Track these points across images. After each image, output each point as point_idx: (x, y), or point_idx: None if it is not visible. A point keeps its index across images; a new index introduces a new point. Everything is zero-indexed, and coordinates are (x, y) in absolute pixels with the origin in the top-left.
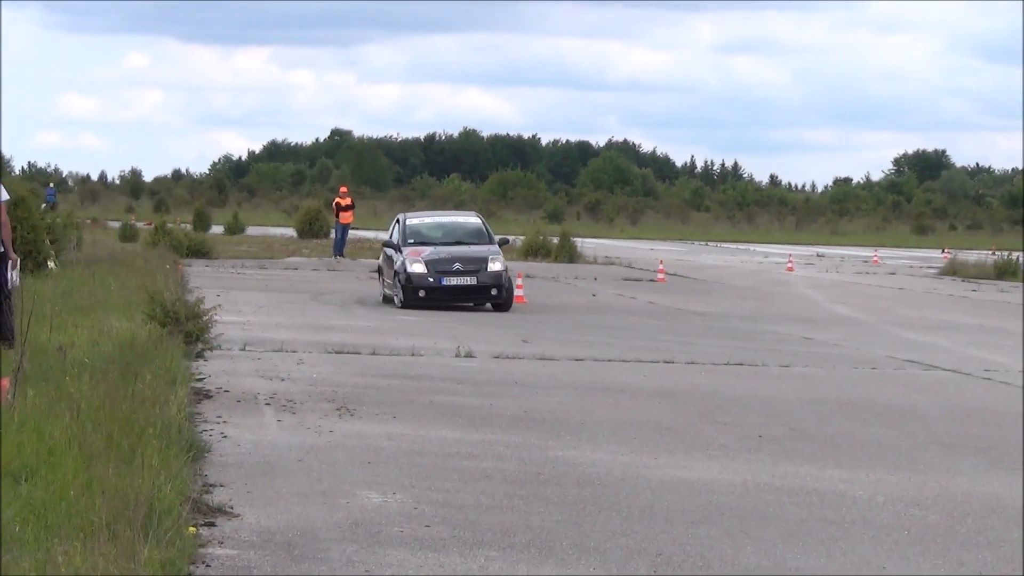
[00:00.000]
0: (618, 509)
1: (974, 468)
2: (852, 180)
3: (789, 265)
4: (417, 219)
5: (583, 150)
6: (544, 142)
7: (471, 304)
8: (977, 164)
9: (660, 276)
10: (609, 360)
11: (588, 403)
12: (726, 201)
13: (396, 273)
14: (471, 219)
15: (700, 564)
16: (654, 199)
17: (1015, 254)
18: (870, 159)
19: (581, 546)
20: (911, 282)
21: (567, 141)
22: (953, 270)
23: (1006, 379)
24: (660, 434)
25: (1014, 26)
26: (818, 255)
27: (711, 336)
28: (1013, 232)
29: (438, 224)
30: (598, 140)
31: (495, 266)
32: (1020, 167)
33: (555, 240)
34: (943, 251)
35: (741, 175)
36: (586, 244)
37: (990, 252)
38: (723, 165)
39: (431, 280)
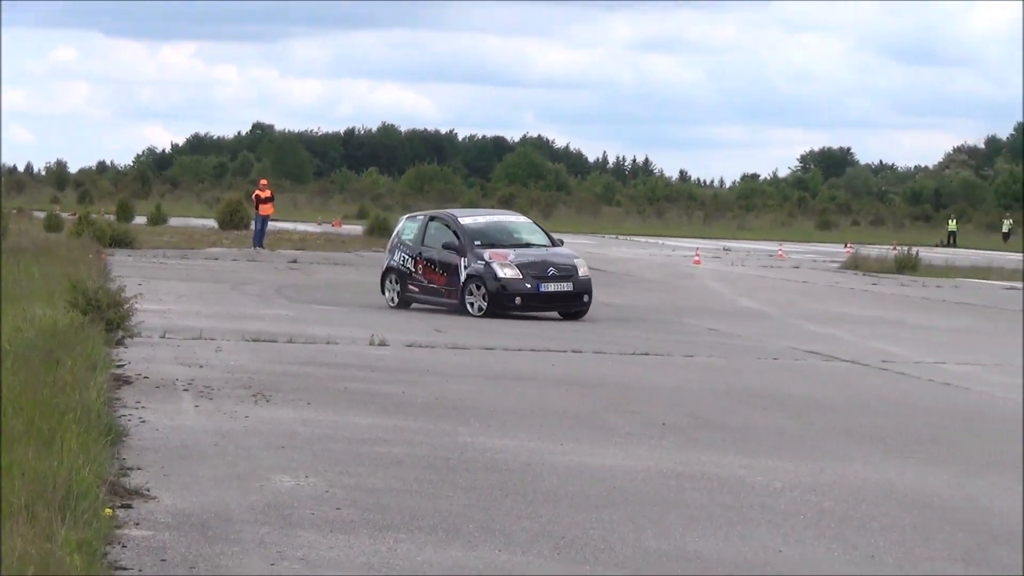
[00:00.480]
0: (524, 494)
1: (869, 456)
2: (759, 176)
3: (696, 259)
4: (471, 218)
5: (498, 145)
6: (461, 137)
7: (557, 314)
8: (881, 161)
9: None
10: (519, 349)
11: (498, 391)
12: (637, 196)
13: (475, 278)
14: (522, 219)
15: (602, 547)
16: (566, 193)
17: (915, 249)
18: (778, 156)
19: (487, 529)
20: (814, 276)
21: (483, 136)
22: (855, 264)
23: (903, 370)
24: (566, 422)
25: (922, 26)
26: (725, 249)
27: (619, 327)
28: (914, 228)
29: (498, 223)
30: (513, 135)
31: (584, 271)
32: (923, 164)
33: None
34: (846, 246)
35: (652, 171)
36: None
37: (892, 247)
38: (635, 161)
39: (528, 286)
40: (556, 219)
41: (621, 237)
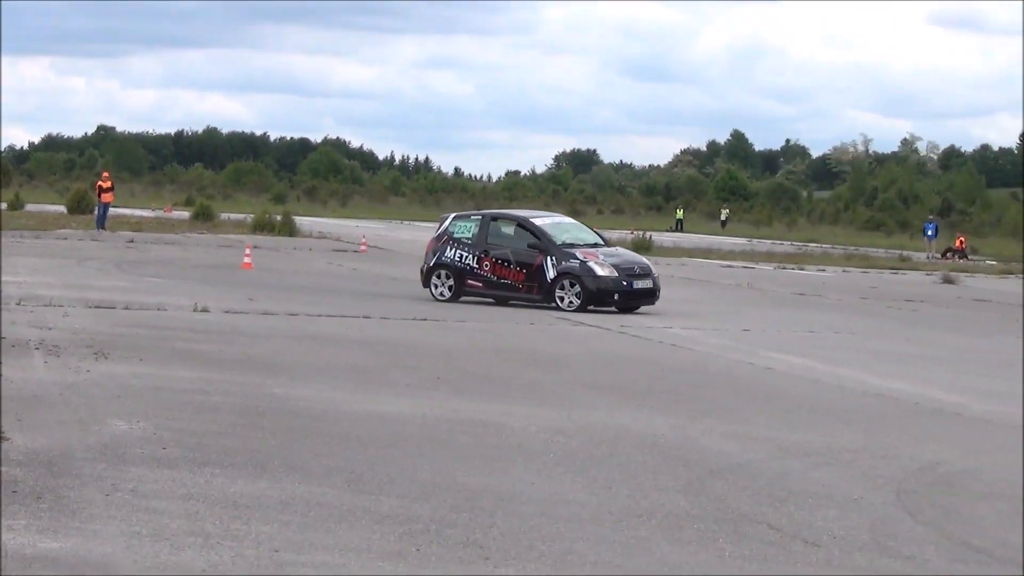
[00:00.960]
0: (321, 436)
1: (608, 404)
2: (520, 172)
3: None
4: (540, 219)
5: (304, 145)
6: (272, 138)
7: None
8: (621, 161)
9: (363, 248)
10: (319, 315)
11: (301, 349)
12: (419, 188)
13: (568, 275)
14: (572, 220)
15: (386, 480)
16: (360, 186)
17: (649, 233)
18: (536, 156)
19: (290, 465)
20: None
21: (291, 138)
22: None
23: (638, 333)
24: (358, 375)
25: (654, 51)
26: None
27: (403, 297)
28: (649, 216)
29: (560, 224)
30: (316, 137)
31: (655, 269)
32: (655, 164)
33: (279, 218)
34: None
35: (432, 167)
36: (304, 222)
37: (630, 232)
38: (417, 159)
39: (624, 284)
40: (353, 207)
41: (406, 222)
